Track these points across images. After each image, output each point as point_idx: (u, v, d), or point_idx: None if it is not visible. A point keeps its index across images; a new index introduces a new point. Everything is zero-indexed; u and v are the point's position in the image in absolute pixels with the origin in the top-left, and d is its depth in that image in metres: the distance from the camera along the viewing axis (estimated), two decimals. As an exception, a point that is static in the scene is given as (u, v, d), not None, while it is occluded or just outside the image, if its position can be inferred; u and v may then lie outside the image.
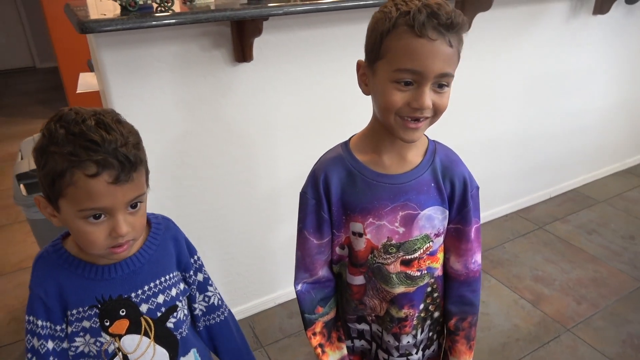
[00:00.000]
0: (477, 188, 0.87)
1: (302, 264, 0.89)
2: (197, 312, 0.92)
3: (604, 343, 1.71)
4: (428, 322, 0.93)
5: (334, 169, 0.84)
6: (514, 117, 2.29)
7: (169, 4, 1.20)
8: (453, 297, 0.92)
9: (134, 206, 0.71)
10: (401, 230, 0.83)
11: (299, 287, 0.90)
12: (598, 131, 2.71)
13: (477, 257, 0.90)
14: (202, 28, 1.37)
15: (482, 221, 2.41)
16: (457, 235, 0.88)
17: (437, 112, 0.75)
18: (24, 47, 5.95)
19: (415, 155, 0.84)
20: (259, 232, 1.77)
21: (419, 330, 0.92)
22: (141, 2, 1.17)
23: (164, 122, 1.44)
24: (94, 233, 0.68)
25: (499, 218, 2.48)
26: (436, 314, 0.94)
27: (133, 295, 0.78)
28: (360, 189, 0.82)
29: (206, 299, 0.92)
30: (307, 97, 1.62)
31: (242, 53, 1.43)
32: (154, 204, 1.52)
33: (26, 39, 5.90)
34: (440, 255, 0.90)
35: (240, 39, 1.40)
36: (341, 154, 0.85)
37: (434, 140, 0.88)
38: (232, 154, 1.60)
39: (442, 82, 0.73)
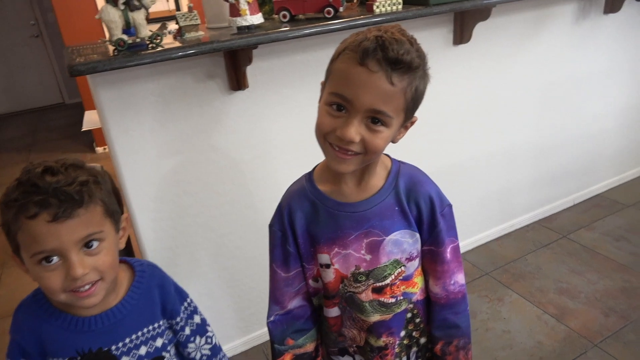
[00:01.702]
0: (449, 206, 0.85)
1: (273, 297, 0.89)
2: (202, 358, 0.89)
3: (635, 358, 1.61)
4: (414, 349, 0.90)
5: (298, 202, 0.83)
6: (529, 125, 2.22)
7: (158, 41, 1.23)
8: (436, 321, 0.89)
9: (88, 245, 0.69)
10: (368, 257, 0.81)
11: (270, 319, 0.89)
12: (621, 133, 2.60)
13: (458, 278, 0.86)
14: (195, 60, 1.40)
15: (502, 233, 2.36)
16: (432, 257, 0.85)
17: (367, 150, 0.71)
18: (54, 85, 6.25)
19: (376, 180, 0.82)
20: (267, 257, 1.76)
21: (404, 359, 0.89)
22: (130, 41, 1.20)
23: (163, 154, 1.46)
24: (50, 278, 0.68)
25: (520, 229, 2.39)
26: (422, 340, 0.91)
27: (114, 347, 0.77)
28: (324, 219, 0.81)
29: (208, 340, 0.91)
30: (305, 119, 1.62)
31: (237, 81, 1.45)
32: (160, 235, 1.56)
33: (55, 77, 6.20)
34: (418, 280, 0.87)
35: (234, 68, 1.42)
36: (304, 185, 0.84)
37: (399, 162, 0.86)
38: (235, 180, 1.61)
39: (376, 118, 0.70)
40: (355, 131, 0.69)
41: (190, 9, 1.35)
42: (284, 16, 1.41)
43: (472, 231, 2.28)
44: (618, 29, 2.29)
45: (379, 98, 0.68)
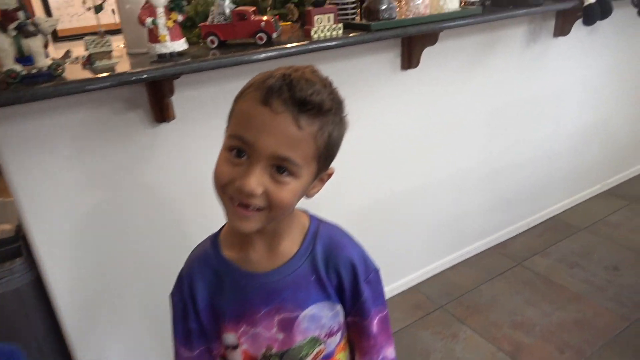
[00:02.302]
0: (376, 271, 0.74)
1: None
2: None
3: (591, 400, 1.54)
4: None
5: (200, 270, 0.71)
6: (480, 149, 2.16)
7: (60, 71, 1.07)
8: None
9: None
10: (280, 336, 0.69)
11: None
12: (574, 154, 2.59)
13: (387, 353, 0.76)
14: (113, 90, 1.24)
15: (457, 261, 2.29)
16: (357, 330, 0.74)
17: (271, 204, 0.61)
18: None
19: (289, 245, 0.70)
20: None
21: None
22: (24, 72, 1.04)
23: (77, 196, 1.29)
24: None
25: (475, 256, 2.33)
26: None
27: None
28: (229, 292, 0.69)
29: None
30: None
31: (161, 112, 1.30)
32: (78, 285, 1.38)
33: None
34: (341, 356, 0.75)
35: (156, 99, 1.27)
36: (207, 250, 0.72)
37: (318, 220, 0.74)
38: (167, 222, 1.46)
39: (282, 166, 0.60)
40: (256, 181, 0.59)
41: (102, 33, 1.20)
42: (212, 42, 1.27)
43: (425, 261, 2.19)
44: (569, 51, 2.27)
45: (284, 143, 0.59)
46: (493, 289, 2.09)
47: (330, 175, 0.73)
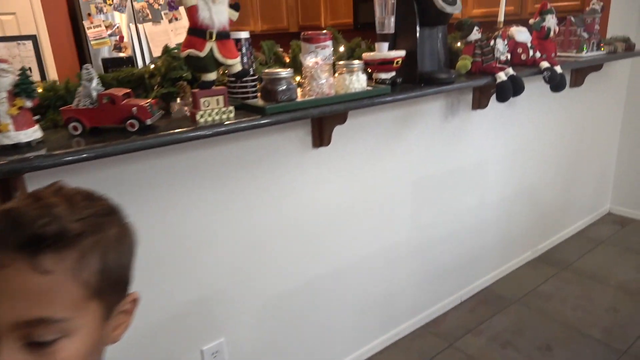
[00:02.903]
0: None
1: None
2: None
3: None
4: None
5: None
6: (405, 224, 2.06)
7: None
8: None
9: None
10: None
11: None
12: (502, 223, 2.55)
13: None
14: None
15: (386, 344, 2.11)
16: None
17: None
18: None
19: None
20: None
21: None
22: None
23: None
24: None
25: (405, 337, 2.17)
26: None
27: None
28: None
29: None
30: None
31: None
32: None
33: None
34: None
35: (3, 198, 1.06)
36: None
37: None
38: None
39: (38, 332, 0.45)
40: None
41: None
42: (75, 128, 1.10)
43: (351, 346, 2.01)
44: (487, 123, 2.26)
45: (27, 301, 0.44)
46: (423, 378, 1.93)
47: (136, 302, 0.59)
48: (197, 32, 1.13)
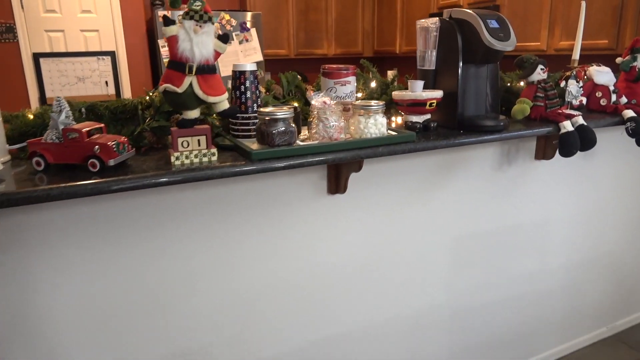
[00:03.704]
0: None
1: None
2: None
3: None
4: None
5: None
6: (443, 286, 1.78)
7: None
8: None
9: None
10: None
11: None
12: (568, 292, 2.15)
13: None
14: None
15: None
16: None
17: None
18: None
19: None
20: None
21: None
22: None
23: None
24: None
25: (432, 417, 1.87)
26: None
27: None
28: None
29: None
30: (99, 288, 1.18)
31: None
32: None
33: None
34: None
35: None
36: None
37: None
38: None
39: None
40: None
41: None
42: (38, 163, 1.01)
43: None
44: (553, 176, 1.92)
45: None
46: None
47: None
48: (176, 65, 1.00)
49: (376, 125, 1.23)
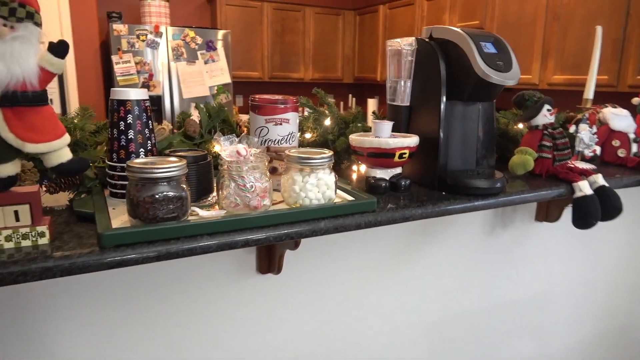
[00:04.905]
0: None
1: None
2: None
3: None
4: None
5: None
6: (414, 383, 1.37)
7: None
8: None
9: None
10: None
11: None
12: (570, 380, 1.75)
13: None
14: None
15: None
16: None
17: None
18: None
19: None
20: None
21: None
22: None
23: None
24: None
25: None
26: None
27: None
28: None
29: None
30: None
31: None
32: None
33: None
34: None
35: None
36: None
37: None
38: None
39: None
40: None
41: None
42: None
43: None
44: (557, 241, 1.54)
45: None
46: None
47: None
48: (-35, 90, 0.60)
49: (318, 186, 0.83)
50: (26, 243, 0.66)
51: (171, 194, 0.72)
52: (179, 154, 0.86)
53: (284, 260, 1.00)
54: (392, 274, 1.23)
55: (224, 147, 0.79)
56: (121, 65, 3.61)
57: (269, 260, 1.00)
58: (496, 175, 1.05)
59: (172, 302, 0.97)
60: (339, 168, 1.19)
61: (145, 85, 3.70)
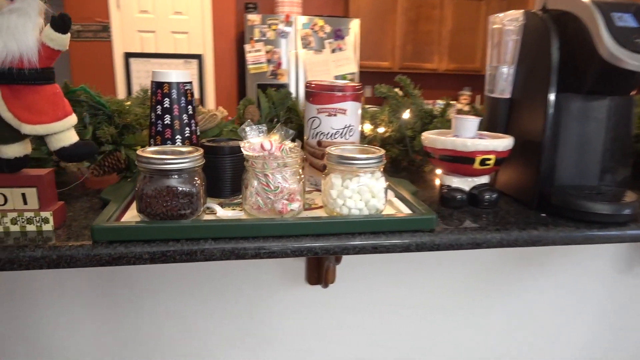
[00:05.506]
0: None
1: None
2: None
3: None
4: None
5: None
6: None
7: None
8: None
9: None
10: None
11: None
12: None
13: None
14: None
15: None
16: None
17: None
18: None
19: None
20: None
21: None
22: None
23: None
24: None
25: None
26: None
27: None
28: None
29: None
30: None
31: None
32: None
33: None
34: None
35: None
36: None
37: None
38: None
39: None
40: None
41: None
42: None
43: None
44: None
45: None
46: None
47: None
48: (-35, 66, 0.57)
49: (361, 193, 0.68)
50: (31, 228, 0.63)
51: (180, 188, 0.63)
52: (215, 143, 0.78)
53: (337, 272, 0.86)
54: (470, 306, 1.01)
55: (248, 138, 0.68)
56: (252, 54, 3.75)
57: (318, 272, 0.87)
58: (626, 196, 0.77)
59: (209, 304, 0.90)
60: (420, 171, 1.00)
61: (274, 74, 3.80)
